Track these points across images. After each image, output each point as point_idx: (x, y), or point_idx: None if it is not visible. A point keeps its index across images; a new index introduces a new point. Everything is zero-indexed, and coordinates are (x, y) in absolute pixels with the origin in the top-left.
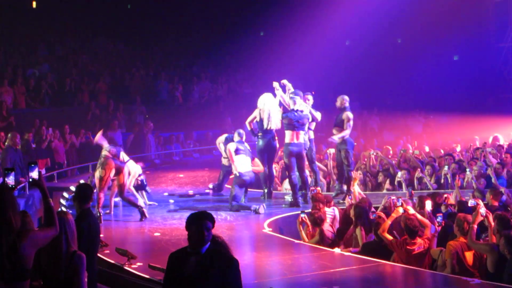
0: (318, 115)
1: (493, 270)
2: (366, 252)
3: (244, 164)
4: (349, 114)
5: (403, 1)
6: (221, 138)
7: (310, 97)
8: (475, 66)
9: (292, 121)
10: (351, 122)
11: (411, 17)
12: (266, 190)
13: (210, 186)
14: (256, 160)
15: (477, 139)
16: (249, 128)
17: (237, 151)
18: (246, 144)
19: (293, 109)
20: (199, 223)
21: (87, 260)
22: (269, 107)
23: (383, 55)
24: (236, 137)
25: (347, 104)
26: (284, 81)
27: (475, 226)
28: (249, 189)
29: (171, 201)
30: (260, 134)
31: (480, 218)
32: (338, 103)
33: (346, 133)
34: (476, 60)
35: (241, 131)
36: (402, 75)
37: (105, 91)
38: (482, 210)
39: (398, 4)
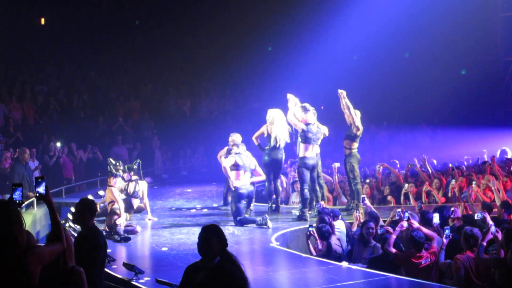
0: (325, 130)
1: (501, 284)
2: (374, 266)
3: (241, 178)
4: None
5: (410, 15)
6: (223, 152)
7: (315, 111)
8: (482, 80)
9: (309, 135)
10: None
11: (419, 31)
12: (271, 205)
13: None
14: (259, 169)
15: (485, 152)
16: (256, 143)
17: (235, 166)
18: (247, 154)
19: (309, 123)
20: (206, 233)
21: (98, 276)
22: (278, 123)
23: (390, 70)
24: (235, 149)
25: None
26: (289, 96)
27: (484, 243)
28: (256, 203)
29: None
30: (267, 148)
31: (490, 236)
32: (348, 118)
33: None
34: (484, 74)
35: (239, 142)
36: (409, 89)
37: (113, 107)
38: (493, 228)
39: (406, 19)
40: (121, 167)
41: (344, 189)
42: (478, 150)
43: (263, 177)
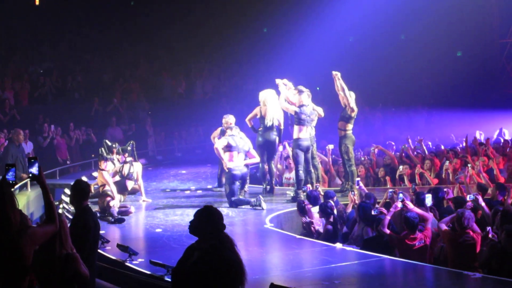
0: (320, 111)
1: (494, 265)
2: (368, 247)
3: (235, 159)
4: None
5: None
6: (216, 132)
7: (309, 92)
8: (478, 62)
9: (302, 117)
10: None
11: (415, 13)
12: (266, 186)
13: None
14: (253, 151)
15: (481, 134)
16: (249, 125)
17: (228, 147)
18: (241, 135)
19: (303, 105)
20: (199, 214)
21: (89, 257)
22: (271, 103)
23: (386, 52)
24: (228, 131)
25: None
26: (285, 81)
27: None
28: (251, 185)
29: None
30: (260, 130)
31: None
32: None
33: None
34: (479, 56)
35: (233, 124)
36: (405, 71)
37: (108, 88)
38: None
39: (402, 1)
40: (116, 149)
41: (339, 171)
42: (473, 131)
43: (257, 159)
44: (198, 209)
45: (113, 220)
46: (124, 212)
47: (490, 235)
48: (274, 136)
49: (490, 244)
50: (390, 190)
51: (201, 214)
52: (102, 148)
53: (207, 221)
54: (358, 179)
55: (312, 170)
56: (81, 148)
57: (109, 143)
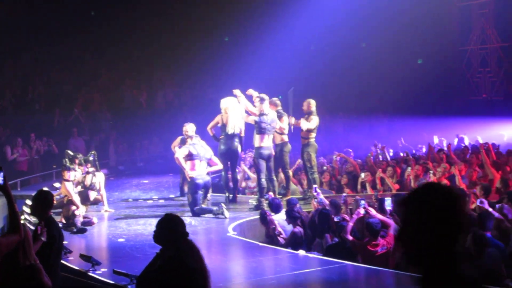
0: (304, 125)
1: None
2: (331, 254)
3: (197, 168)
4: (313, 118)
5: (367, 5)
6: (176, 142)
7: (278, 102)
8: (439, 70)
9: (263, 125)
10: (313, 126)
11: (375, 21)
12: (228, 195)
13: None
14: (215, 158)
15: (444, 140)
16: (211, 134)
17: (189, 156)
18: (202, 143)
19: (263, 113)
20: (159, 220)
21: (53, 267)
22: (232, 111)
23: (348, 59)
24: (189, 140)
25: (313, 108)
26: (250, 91)
27: None
28: (214, 194)
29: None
30: (222, 138)
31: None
32: (304, 107)
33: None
34: (440, 63)
35: (193, 133)
36: (367, 78)
37: (69, 99)
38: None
39: (362, 9)
40: (79, 160)
41: (301, 179)
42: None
43: (219, 166)
44: (158, 221)
45: (75, 230)
46: (86, 222)
47: None
48: (236, 144)
49: None
50: (354, 197)
51: (162, 222)
52: (66, 159)
53: (169, 229)
54: (316, 186)
55: (275, 178)
56: (42, 159)
57: (71, 153)
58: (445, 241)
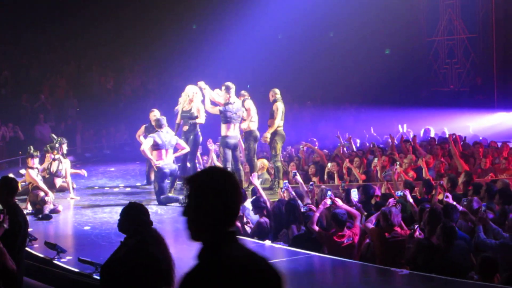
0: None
1: (421, 262)
2: (297, 244)
3: (163, 157)
4: (278, 104)
5: None
6: (141, 131)
7: (246, 93)
8: (406, 60)
9: (228, 114)
10: (280, 113)
11: (344, 11)
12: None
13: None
14: (180, 141)
15: (410, 131)
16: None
17: (155, 146)
18: (167, 130)
19: (228, 102)
20: (123, 209)
21: (18, 254)
22: (198, 99)
23: (315, 49)
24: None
25: (277, 96)
26: (201, 84)
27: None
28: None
29: None
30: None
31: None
32: (270, 97)
33: (275, 124)
34: (407, 53)
35: (160, 120)
36: (334, 68)
37: (36, 84)
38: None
39: None
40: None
41: (269, 168)
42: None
43: (186, 148)
44: (121, 209)
45: (41, 216)
46: (52, 210)
47: (417, 233)
48: (197, 133)
49: (417, 240)
50: (323, 186)
51: (125, 211)
52: (31, 146)
53: (132, 218)
54: (295, 171)
55: (241, 168)
56: (8, 145)
57: (56, 137)
58: (219, 221)
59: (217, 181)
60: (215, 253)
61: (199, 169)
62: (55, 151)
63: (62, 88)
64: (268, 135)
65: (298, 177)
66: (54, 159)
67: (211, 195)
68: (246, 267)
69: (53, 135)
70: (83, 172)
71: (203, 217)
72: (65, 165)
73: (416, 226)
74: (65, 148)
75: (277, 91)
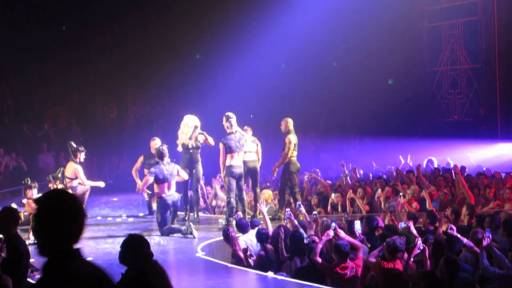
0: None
1: None
2: (300, 276)
3: (166, 190)
4: (291, 137)
5: (337, 25)
6: (138, 163)
7: (249, 129)
8: (409, 90)
9: (231, 144)
10: (292, 146)
11: (346, 41)
12: (195, 213)
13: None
14: (181, 171)
15: (408, 161)
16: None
17: (158, 180)
18: (168, 160)
19: (231, 132)
20: (125, 244)
21: (18, 285)
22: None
23: (318, 78)
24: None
25: (290, 128)
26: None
27: (411, 260)
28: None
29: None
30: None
31: (416, 251)
32: (282, 127)
33: (284, 157)
34: (410, 84)
35: (161, 150)
36: (337, 98)
37: (39, 113)
38: (419, 242)
39: (333, 28)
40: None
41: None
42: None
43: (185, 176)
44: (122, 242)
45: None
46: None
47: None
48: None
49: (421, 273)
50: (324, 218)
51: (126, 243)
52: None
53: (132, 250)
54: (299, 202)
55: (245, 198)
56: (11, 174)
57: (74, 145)
58: (63, 239)
59: (62, 204)
60: (58, 267)
61: (201, 200)
62: (58, 181)
63: (65, 117)
64: (276, 168)
65: (302, 209)
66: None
67: (58, 216)
68: (85, 279)
69: (72, 142)
70: (101, 183)
71: (49, 235)
72: None
73: (416, 240)
74: (82, 156)
75: (291, 121)
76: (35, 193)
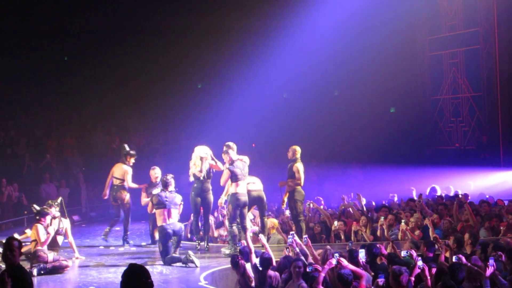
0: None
1: None
2: None
3: (166, 219)
4: (298, 166)
5: (339, 54)
6: (144, 194)
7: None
8: (411, 119)
9: (237, 171)
10: (302, 175)
11: (348, 70)
12: (198, 243)
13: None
14: (181, 206)
15: (413, 189)
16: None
17: (157, 205)
18: (172, 189)
19: (233, 160)
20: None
21: None
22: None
23: (320, 107)
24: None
25: (298, 156)
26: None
27: (412, 278)
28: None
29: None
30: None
31: (417, 271)
32: (290, 154)
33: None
34: (412, 112)
35: (166, 180)
36: (339, 127)
37: (41, 144)
38: (420, 263)
39: (335, 57)
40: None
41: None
42: (407, 188)
43: (180, 210)
44: (123, 272)
45: (43, 272)
46: (59, 266)
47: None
48: (208, 189)
49: None
50: (328, 247)
51: (126, 273)
52: (34, 205)
53: (132, 280)
54: (293, 232)
55: (248, 226)
56: (14, 205)
57: (127, 148)
58: None
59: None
60: None
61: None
62: (57, 208)
63: (67, 147)
64: (285, 198)
65: (309, 242)
66: (54, 217)
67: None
68: None
69: (125, 145)
70: (143, 186)
71: None
72: (65, 224)
73: (416, 260)
74: (132, 160)
75: (299, 149)
76: (48, 220)
